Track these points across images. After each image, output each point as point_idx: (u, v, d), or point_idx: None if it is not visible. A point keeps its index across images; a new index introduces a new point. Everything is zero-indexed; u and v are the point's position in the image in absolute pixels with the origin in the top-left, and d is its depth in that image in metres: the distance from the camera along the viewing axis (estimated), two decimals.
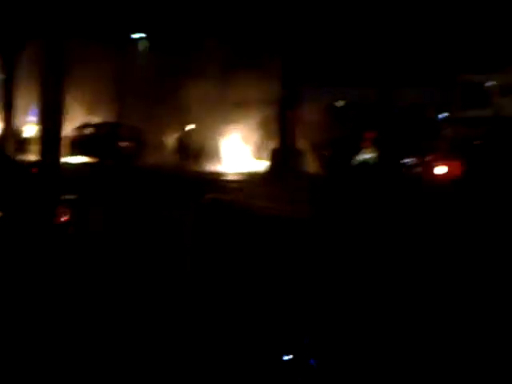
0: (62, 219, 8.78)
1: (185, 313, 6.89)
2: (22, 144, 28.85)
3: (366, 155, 20.59)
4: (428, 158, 18.17)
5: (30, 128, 31.53)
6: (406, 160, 19.78)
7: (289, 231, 5.79)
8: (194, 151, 27.16)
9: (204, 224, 6.42)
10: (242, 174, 22.74)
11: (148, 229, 11.55)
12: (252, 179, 21.03)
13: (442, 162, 16.68)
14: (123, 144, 26.75)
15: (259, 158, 26.48)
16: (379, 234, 5.59)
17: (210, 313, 6.15)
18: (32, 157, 19.92)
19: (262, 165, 25.12)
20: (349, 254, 5.51)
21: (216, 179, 20.39)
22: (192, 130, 29.64)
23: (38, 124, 21.04)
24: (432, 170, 16.60)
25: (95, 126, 28.49)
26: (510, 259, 5.92)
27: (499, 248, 5.85)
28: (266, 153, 25.43)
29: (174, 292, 7.77)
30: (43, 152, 17.02)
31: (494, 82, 15.14)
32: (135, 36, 32.92)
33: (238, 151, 27.31)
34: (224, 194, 7.19)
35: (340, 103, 27.58)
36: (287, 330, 5.69)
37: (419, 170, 18.85)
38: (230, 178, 21.52)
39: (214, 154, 26.92)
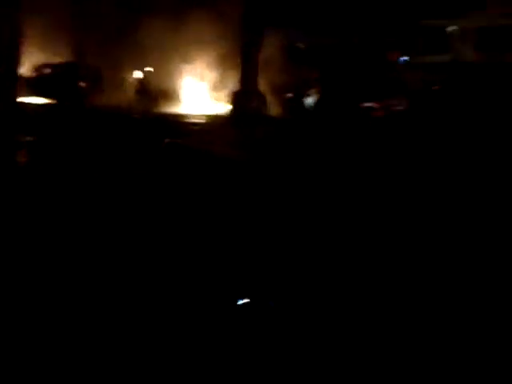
0: (21, 161, 8.70)
1: (138, 256, 6.90)
2: None
3: (311, 97, 20.69)
4: (388, 102, 18.26)
5: None
6: (366, 104, 19.86)
7: (237, 173, 5.82)
8: (153, 92, 26.85)
9: (162, 166, 6.42)
10: (203, 116, 22.57)
11: (107, 171, 11.45)
12: (213, 122, 20.92)
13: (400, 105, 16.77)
14: (82, 84, 26.27)
15: (220, 100, 26.30)
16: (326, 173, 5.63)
17: (164, 255, 6.17)
18: None
19: (223, 107, 24.95)
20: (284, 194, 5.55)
21: (176, 122, 20.23)
22: (151, 71, 29.25)
23: None
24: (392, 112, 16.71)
25: (53, 65, 27.84)
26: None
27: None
28: (227, 95, 25.26)
29: (131, 237, 7.77)
30: None
31: (455, 27, 15.12)
32: None
33: (199, 93, 27.09)
34: (182, 137, 7.15)
35: (301, 45, 27.36)
36: (242, 274, 5.73)
37: (379, 113, 18.96)
38: (190, 120, 21.36)
39: (173, 96, 26.67)
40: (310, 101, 21.32)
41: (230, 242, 5.56)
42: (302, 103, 21.55)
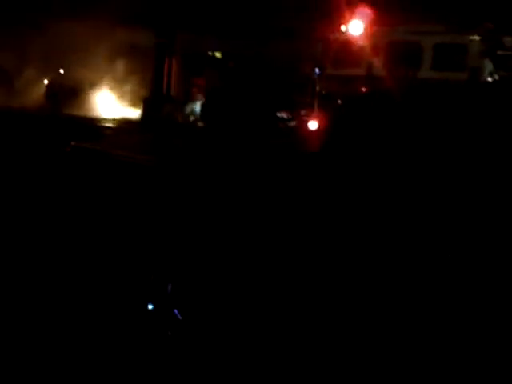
0: None
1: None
2: None
3: (194, 104, 20.81)
4: (302, 113, 18.43)
5: None
6: (280, 114, 20.02)
7: (139, 177, 5.75)
8: (63, 96, 26.31)
9: (66, 170, 6.25)
10: (113, 121, 22.26)
11: (13, 173, 11.14)
12: (122, 127, 20.66)
13: (315, 116, 16.93)
14: None
15: (132, 105, 26.01)
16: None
17: (71, 261, 6.01)
18: None
19: (135, 113, 24.69)
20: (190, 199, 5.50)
21: (85, 125, 19.88)
22: (61, 74, 28.67)
23: None
24: (304, 123, 16.87)
25: None
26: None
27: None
28: (138, 101, 25.02)
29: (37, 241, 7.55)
30: None
31: (366, 42, 15.45)
32: None
33: (110, 98, 26.73)
34: (90, 141, 6.99)
35: (218, 54, 27.37)
36: (149, 278, 5.64)
37: (292, 123, 19.14)
38: (99, 124, 21.03)
39: (85, 100, 26.22)
40: (194, 107, 21.55)
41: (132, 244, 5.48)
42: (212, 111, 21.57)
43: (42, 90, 27.51)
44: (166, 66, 23.73)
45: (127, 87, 26.52)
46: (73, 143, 6.39)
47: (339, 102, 6.96)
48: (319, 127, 14.85)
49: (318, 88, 16.81)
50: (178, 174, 5.62)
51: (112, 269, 5.75)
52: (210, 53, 27.78)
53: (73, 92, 26.33)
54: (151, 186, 5.63)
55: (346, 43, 15.94)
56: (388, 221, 5.60)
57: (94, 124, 20.92)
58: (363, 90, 12.97)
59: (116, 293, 5.78)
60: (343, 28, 16.30)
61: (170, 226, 5.56)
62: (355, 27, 15.88)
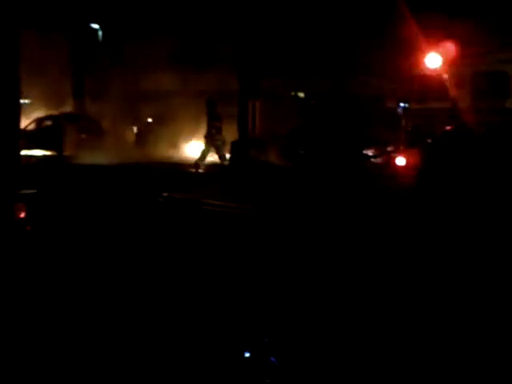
0: (20, 216, 8.64)
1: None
2: None
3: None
4: (389, 149, 18.29)
5: None
6: (367, 151, 19.93)
7: (243, 230, 5.75)
8: (152, 144, 27.00)
9: (160, 222, 6.34)
10: (205, 166, 22.59)
11: (107, 226, 11.43)
12: (212, 172, 20.94)
13: (402, 153, 16.77)
14: (82, 136, 26.39)
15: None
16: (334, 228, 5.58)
17: (170, 312, 6.12)
18: None
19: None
20: (303, 249, 5.49)
21: (176, 172, 20.24)
22: (150, 122, 29.50)
23: None
24: (392, 160, 16.71)
25: (53, 117, 28.07)
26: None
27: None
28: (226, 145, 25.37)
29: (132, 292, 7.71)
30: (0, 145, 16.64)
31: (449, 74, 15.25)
32: (93, 26, 32.64)
33: (197, 144, 27.24)
34: (180, 190, 7.10)
35: (301, 94, 27.63)
36: (246, 327, 5.69)
37: (379, 160, 18.99)
38: (189, 170, 21.39)
39: (173, 146, 26.82)
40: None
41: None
42: (297, 151, 21.64)
43: (132, 139, 28.35)
44: (250, 109, 24.08)
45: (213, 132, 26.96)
46: (165, 194, 6.49)
47: (429, 140, 6.82)
48: (407, 164, 14.68)
49: (403, 123, 16.69)
50: (278, 222, 5.64)
51: (210, 317, 5.82)
52: (292, 93, 28.08)
53: (161, 139, 26.99)
54: (249, 236, 5.67)
55: (430, 77, 15.80)
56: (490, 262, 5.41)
57: (184, 170, 21.30)
58: (451, 127, 12.75)
59: (213, 340, 5.85)
60: (425, 62, 16.19)
61: (267, 274, 5.60)
62: (434, 60, 15.76)
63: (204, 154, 21.47)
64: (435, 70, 15.64)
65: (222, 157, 21.92)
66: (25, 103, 23.02)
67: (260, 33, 24.27)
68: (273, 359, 5.58)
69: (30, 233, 8.63)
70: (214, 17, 26.70)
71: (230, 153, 24.09)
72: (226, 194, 6.56)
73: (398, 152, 17.04)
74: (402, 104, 20.98)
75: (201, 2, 26.70)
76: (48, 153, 25.53)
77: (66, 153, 25.04)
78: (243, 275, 5.63)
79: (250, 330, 5.69)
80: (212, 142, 21.46)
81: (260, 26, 24.18)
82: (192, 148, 26.90)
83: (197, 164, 21.11)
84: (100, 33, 32.88)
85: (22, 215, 8.65)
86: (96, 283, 8.36)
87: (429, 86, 15.50)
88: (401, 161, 15.67)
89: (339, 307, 5.30)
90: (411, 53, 17.65)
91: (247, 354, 5.70)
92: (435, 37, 16.52)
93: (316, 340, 5.39)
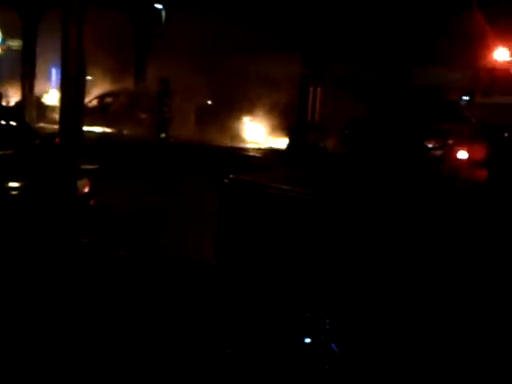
0: (84, 191, 8.75)
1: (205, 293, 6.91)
2: (45, 112, 28.95)
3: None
4: (450, 141, 17.99)
5: (52, 96, 31.65)
6: (427, 142, 19.63)
7: (309, 213, 5.72)
8: (212, 125, 27.06)
9: (227, 206, 6.34)
10: (260, 150, 22.65)
11: (170, 206, 11.57)
12: (272, 156, 20.96)
13: (464, 146, 16.48)
14: (142, 115, 26.59)
15: (278, 134, 26.39)
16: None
17: (233, 295, 6.16)
18: (55, 125, 19.79)
19: (282, 142, 25.01)
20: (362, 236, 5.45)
21: (237, 155, 20.31)
22: (210, 103, 29.58)
23: (59, 92, 20.89)
24: (453, 153, 16.46)
25: (114, 94, 28.38)
26: None
27: None
28: (285, 129, 25.33)
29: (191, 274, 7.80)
30: (63, 121, 16.94)
31: None
32: (158, 6, 32.87)
33: (258, 128, 27.25)
34: (246, 172, 7.10)
35: (364, 82, 27.34)
36: (307, 312, 5.70)
37: (440, 153, 18.69)
38: (250, 153, 21.44)
39: (232, 129, 26.88)
40: None
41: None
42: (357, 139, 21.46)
43: (191, 119, 28.44)
44: (310, 95, 23.92)
45: (271, 116, 26.98)
46: (231, 176, 6.50)
47: (505, 134, 6.66)
48: (470, 158, 14.43)
49: (467, 116, 16.40)
50: (339, 208, 5.61)
51: (271, 301, 5.85)
52: (353, 80, 27.81)
53: (219, 120, 27.04)
54: (312, 221, 5.66)
55: (497, 70, 15.49)
56: None
57: (243, 154, 21.36)
58: None
59: (274, 326, 5.88)
60: (493, 55, 15.86)
61: (328, 260, 5.58)
62: (503, 54, 15.42)
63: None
64: (503, 63, 15.31)
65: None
66: (87, 79, 23.29)
67: (326, 18, 24.06)
68: (333, 346, 5.59)
69: (94, 208, 8.75)
70: (281, 1, 26.63)
71: (289, 138, 24.04)
72: (289, 179, 6.52)
73: (459, 145, 16.75)
74: (465, 97, 20.62)
75: None
76: (109, 130, 25.83)
77: (126, 130, 25.30)
78: (307, 259, 5.63)
79: (311, 316, 5.70)
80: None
81: (327, 11, 23.97)
82: (249, 130, 26.95)
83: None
84: (163, 13, 33.11)
85: (86, 190, 8.76)
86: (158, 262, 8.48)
87: (496, 80, 15.18)
88: (463, 154, 15.40)
89: (401, 297, 5.26)
90: (478, 44, 17.31)
91: (307, 340, 5.72)
92: (504, 30, 16.18)
93: (377, 329, 5.36)
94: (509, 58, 15.37)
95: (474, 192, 6.13)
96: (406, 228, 5.26)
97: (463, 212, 5.33)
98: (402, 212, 5.39)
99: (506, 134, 7.47)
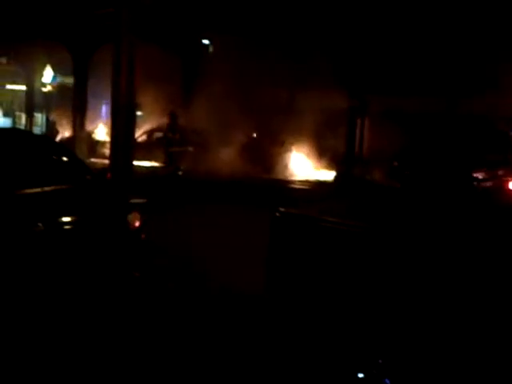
0: (135, 225, 8.81)
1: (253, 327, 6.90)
2: (95, 147, 29.42)
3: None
4: (500, 172, 17.76)
5: (102, 131, 32.20)
6: (476, 173, 19.41)
7: (362, 249, 5.67)
8: (257, 158, 27.11)
9: (278, 239, 6.33)
10: (309, 182, 22.65)
11: (221, 239, 11.60)
12: (319, 189, 20.93)
13: None
14: (190, 149, 26.75)
15: (324, 167, 26.38)
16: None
17: (284, 328, 6.13)
18: (105, 160, 20.09)
19: (328, 174, 24.98)
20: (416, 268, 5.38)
21: (284, 187, 20.32)
22: (256, 137, 29.71)
23: (109, 127, 21.20)
24: (504, 184, 16.22)
25: (162, 130, 28.69)
26: None
27: None
28: (331, 162, 25.31)
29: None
30: (114, 155, 17.12)
31: None
32: (205, 41, 33.36)
33: (304, 160, 27.24)
34: (295, 206, 7.10)
35: (412, 113, 27.24)
36: (361, 348, 5.64)
37: (489, 184, 18.44)
38: (298, 186, 21.44)
39: (278, 162, 26.90)
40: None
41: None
42: (413, 171, 21.30)
43: (236, 153, 28.51)
44: (358, 127, 23.95)
45: (318, 149, 26.96)
46: (281, 209, 6.50)
47: None
48: None
49: None
50: (393, 241, 5.57)
51: (325, 336, 5.81)
52: (400, 112, 27.68)
53: (265, 153, 27.09)
54: (365, 255, 5.63)
55: None
56: None
57: (292, 187, 21.37)
58: None
59: (326, 360, 5.84)
60: None
61: (380, 294, 5.54)
62: None
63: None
64: None
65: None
66: (137, 114, 23.63)
67: (370, 49, 24.14)
68: (387, 381, 5.52)
69: (145, 241, 8.81)
70: (323, 34, 26.76)
71: (336, 170, 24.01)
72: (339, 212, 6.49)
73: (510, 176, 16.53)
74: None
75: (311, 19, 26.81)
76: (157, 164, 26.12)
77: (173, 165, 25.52)
78: (358, 294, 5.59)
79: (364, 351, 5.65)
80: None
81: (371, 42, 24.06)
82: (295, 163, 26.93)
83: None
84: (210, 48, 33.57)
85: (137, 224, 8.82)
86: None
87: None
88: None
89: (449, 331, 5.19)
90: None
91: (361, 375, 5.66)
92: None
93: (429, 363, 5.28)
94: None
95: None
96: (460, 262, 5.20)
97: None
98: (456, 247, 5.32)
99: None
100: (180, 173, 22.30)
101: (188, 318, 7.47)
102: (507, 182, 16.07)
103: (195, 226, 12.54)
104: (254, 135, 29.97)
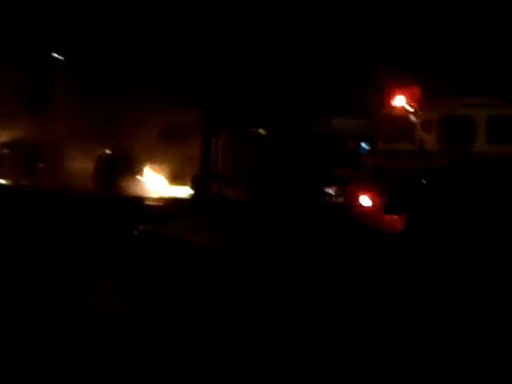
0: None
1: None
2: None
3: None
4: (349, 188, 18.29)
5: None
6: (328, 189, 19.96)
7: (221, 265, 5.62)
8: (111, 174, 26.63)
9: (137, 256, 6.16)
10: (164, 199, 22.47)
11: (80, 257, 11.20)
12: (177, 205, 20.81)
13: (363, 191, 16.82)
14: (40, 165, 25.90)
15: (177, 183, 26.34)
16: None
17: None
18: None
19: (181, 190, 24.95)
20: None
21: (140, 204, 20.04)
22: (109, 153, 29.15)
23: None
24: (355, 200, 16.72)
25: (11, 145, 27.57)
26: None
27: None
28: (184, 178, 25.31)
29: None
30: None
31: (417, 118, 15.38)
32: (55, 55, 32.44)
33: (158, 176, 27.07)
34: (154, 223, 6.93)
35: (262, 131, 27.74)
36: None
37: (341, 198, 18.97)
38: (154, 203, 21.22)
39: (132, 178, 26.56)
40: None
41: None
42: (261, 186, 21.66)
43: (90, 168, 27.84)
44: (213, 145, 24.11)
45: (173, 165, 26.86)
46: (141, 227, 6.33)
47: (423, 181, 6.64)
48: (374, 204, 14.71)
49: (369, 163, 16.72)
50: (256, 259, 5.52)
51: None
52: (253, 130, 28.12)
53: (124, 170, 26.66)
54: (227, 273, 5.54)
55: (397, 118, 15.92)
56: None
57: (148, 204, 21.10)
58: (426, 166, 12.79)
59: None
60: (392, 102, 16.33)
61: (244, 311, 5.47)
62: (400, 101, 15.90)
63: None
64: (401, 111, 15.78)
65: None
66: None
67: (226, 70, 24.44)
68: None
69: None
70: (177, 55, 26.83)
71: (191, 186, 23.99)
72: (200, 228, 6.40)
73: (359, 191, 17.06)
74: (364, 144, 21.14)
75: (164, 40, 26.82)
76: (4, 182, 25.05)
77: (20, 181, 24.57)
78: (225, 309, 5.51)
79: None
80: None
81: (226, 62, 24.37)
82: (149, 179, 26.72)
83: None
84: (60, 62, 32.68)
85: None
86: None
87: (396, 128, 15.59)
88: (365, 200, 15.69)
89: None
90: (378, 94, 17.86)
91: None
92: (402, 82, 16.76)
93: None
94: (402, 106, 15.89)
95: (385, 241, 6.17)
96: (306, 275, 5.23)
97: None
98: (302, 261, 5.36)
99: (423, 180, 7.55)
100: None
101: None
102: (357, 197, 16.60)
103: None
104: (108, 151, 29.37)
